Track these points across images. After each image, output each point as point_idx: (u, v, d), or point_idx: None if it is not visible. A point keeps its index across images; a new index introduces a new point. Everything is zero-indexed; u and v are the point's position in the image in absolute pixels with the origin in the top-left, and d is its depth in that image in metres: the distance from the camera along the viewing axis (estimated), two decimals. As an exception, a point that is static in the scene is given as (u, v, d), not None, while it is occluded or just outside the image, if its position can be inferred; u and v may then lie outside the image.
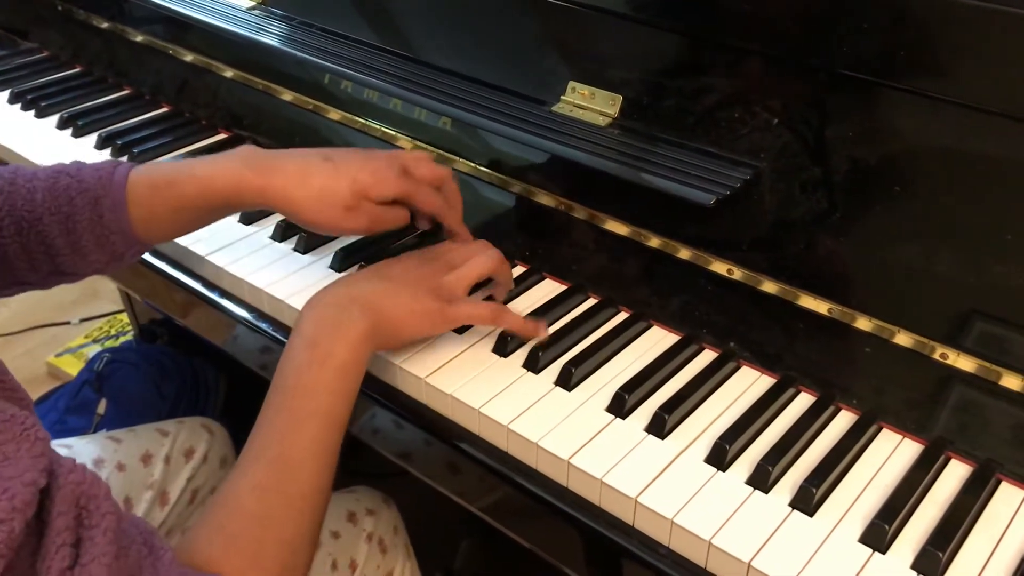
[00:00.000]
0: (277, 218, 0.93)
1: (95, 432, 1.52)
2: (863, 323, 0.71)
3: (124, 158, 1.07)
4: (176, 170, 0.78)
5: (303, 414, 0.64)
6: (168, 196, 0.77)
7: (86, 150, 1.09)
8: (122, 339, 2.10)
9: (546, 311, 0.81)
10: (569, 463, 0.67)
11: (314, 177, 0.76)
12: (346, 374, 0.67)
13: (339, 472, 0.68)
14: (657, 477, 0.66)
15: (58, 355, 2.08)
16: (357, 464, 1.02)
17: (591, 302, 0.83)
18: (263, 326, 0.86)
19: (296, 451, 0.63)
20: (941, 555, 0.60)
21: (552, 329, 0.79)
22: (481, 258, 0.77)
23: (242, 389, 1.63)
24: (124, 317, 2.13)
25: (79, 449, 0.99)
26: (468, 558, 1.41)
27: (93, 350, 2.06)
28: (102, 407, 1.58)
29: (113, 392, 1.58)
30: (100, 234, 0.76)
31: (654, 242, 0.80)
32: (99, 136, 1.10)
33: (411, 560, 1.03)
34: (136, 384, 1.58)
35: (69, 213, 0.75)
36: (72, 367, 2.02)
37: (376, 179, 0.77)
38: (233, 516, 0.60)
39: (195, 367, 1.60)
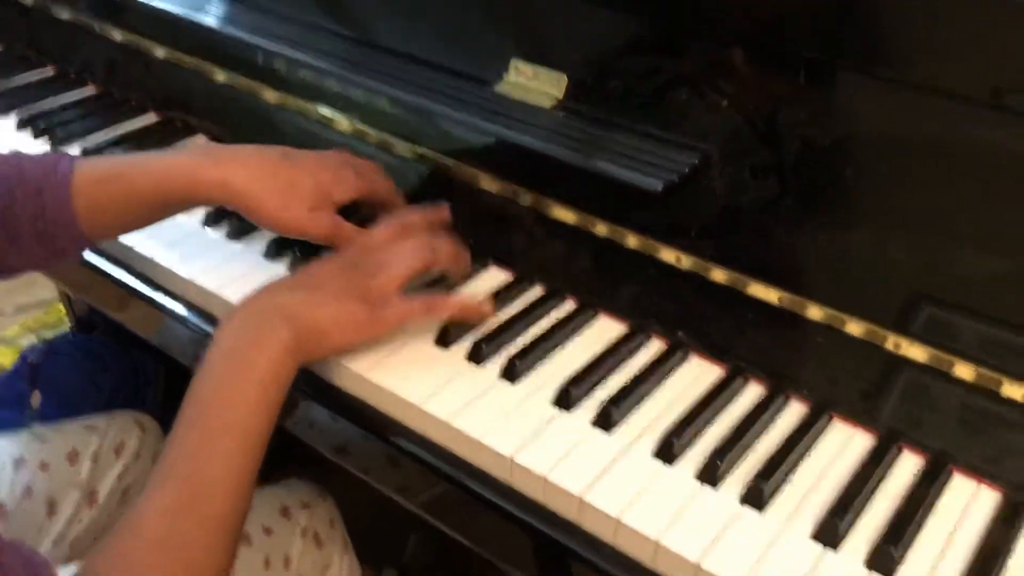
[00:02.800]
0: (208, 205, 0.88)
1: (29, 425, 1.47)
2: (814, 311, 0.69)
3: (46, 140, 1.01)
4: (126, 162, 0.75)
5: (218, 430, 0.61)
6: (117, 189, 0.73)
7: (6, 133, 1.03)
8: (60, 329, 2.04)
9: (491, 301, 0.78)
10: (512, 460, 0.64)
11: (278, 173, 0.73)
12: (266, 388, 0.63)
13: (270, 464, 0.64)
14: (603, 473, 0.63)
15: (-10, 346, 2.01)
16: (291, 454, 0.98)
17: (538, 291, 0.80)
18: (193, 319, 0.82)
19: (209, 469, 0.59)
20: (894, 551, 0.58)
21: (497, 320, 0.76)
22: (411, 253, 0.73)
23: (182, 381, 1.57)
24: (61, 307, 2.06)
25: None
26: (418, 552, 1.38)
27: (28, 340, 1.99)
28: (36, 399, 1.53)
29: (47, 384, 1.53)
30: (41, 228, 0.72)
31: (601, 230, 0.77)
32: (19, 118, 1.04)
33: (349, 554, 1.00)
34: (72, 376, 1.53)
35: (8, 204, 0.71)
36: (5, 358, 1.95)
37: (337, 179, 0.76)
38: (137, 542, 0.57)
39: (133, 358, 1.55)
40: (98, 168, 0.74)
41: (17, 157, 0.73)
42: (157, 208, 0.75)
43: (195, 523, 0.58)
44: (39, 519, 0.93)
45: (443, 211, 0.80)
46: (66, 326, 1.99)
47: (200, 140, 1.03)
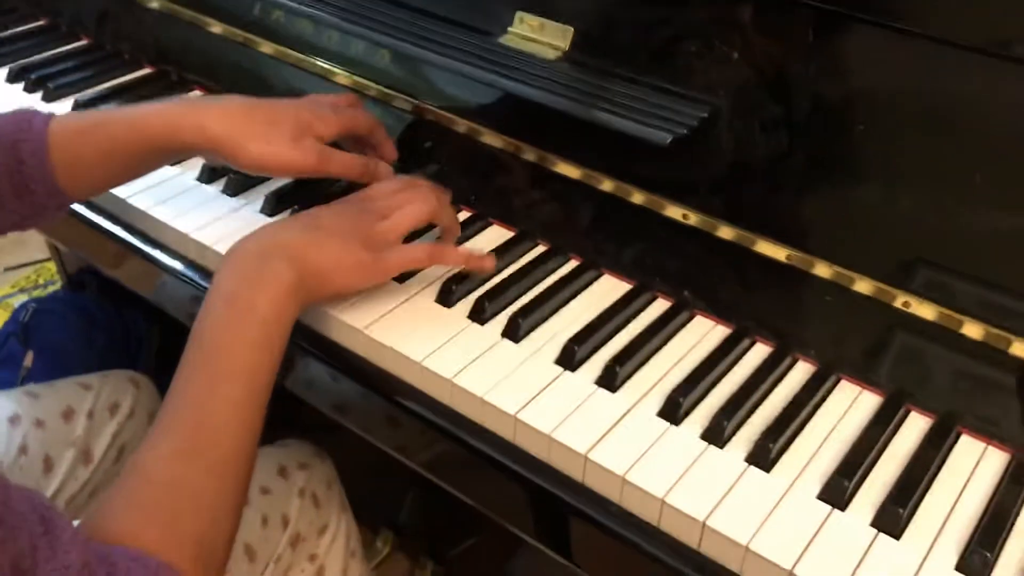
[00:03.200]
0: (203, 158, 0.86)
1: (22, 385, 1.46)
2: (822, 269, 0.68)
3: (39, 93, 0.99)
4: (104, 113, 0.74)
5: (222, 374, 0.59)
6: (96, 139, 0.72)
7: (-3, 85, 1.01)
8: (51, 288, 2.02)
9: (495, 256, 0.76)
10: (516, 418, 0.63)
11: (255, 113, 0.73)
12: (269, 330, 0.62)
13: (269, 425, 0.63)
14: (608, 432, 0.62)
15: (-19, 306, 1.99)
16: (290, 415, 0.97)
17: (540, 249, 0.79)
18: (191, 275, 0.80)
19: (215, 415, 0.58)
20: (901, 511, 0.57)
21: (499, 278, 0.75)
22: (417, 203, 0.72)
23: (175, 339, 1.55)
24: (52, 265, 2.05)
25: (-7, 405, 0.93)
26: (415, 511, 1.38)
27: (19, 300, 1.97)
28: (29, 359, 1.51)
29: (40, 344, 1.52)
30: (19, 183, 0.70)
31: (606, 186, 0.76)
32: (10, 69, 1.02)
33: (346, 514, 1.00)
34: (64, 335, 1.52)
35: None
36: (-3, 318, 1.93)
37: (315, 116, 0.75)
38: (146, 485, 0.56)
39: (125, 317, 1.54)
40: (75, 120, 0.73)
41: None
42: (137, 158, 0.74)
43: (203, 468, 0.57)
44: (35, 476, 0.92)
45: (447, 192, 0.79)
46: (57, 285, 1.98)
47: (195, 95, 1.01)
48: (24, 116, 0.72)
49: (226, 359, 0.60)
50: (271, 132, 0.72)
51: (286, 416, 0.81)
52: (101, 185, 0.77)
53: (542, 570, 1.18)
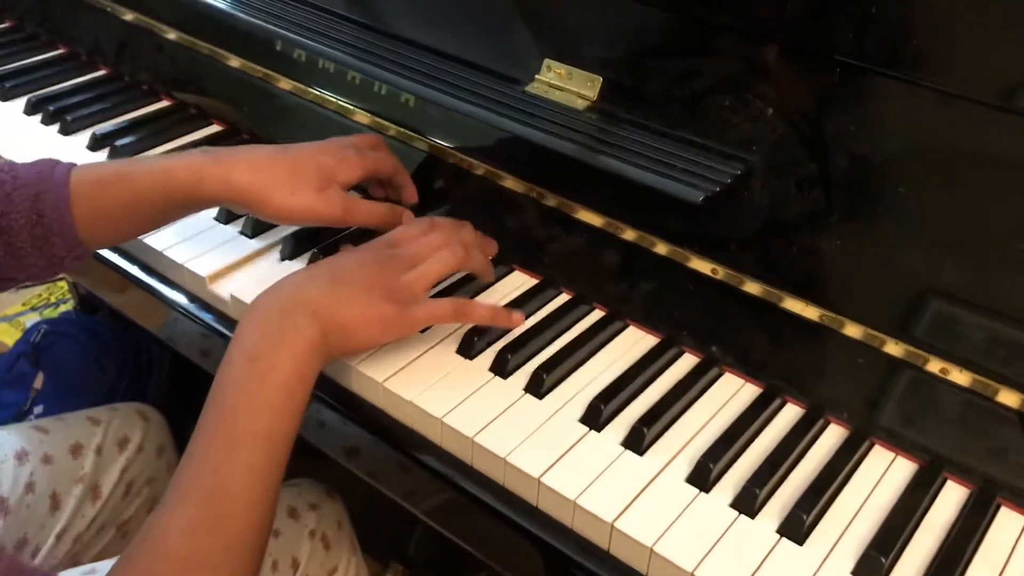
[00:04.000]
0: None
1: (31, 407, 1.45)
2: (852, 330, 0.66)
3: (56, 125, 0.98)
4: (126, 164, 0.73)
5: (241, 437, 0.58)
6: (118, 191, 0.71)
7: (13, 116, 1.00)
8: (62, 307, 2.01)
9: (516, 307, 0.74)
10: (540, 481, 0.61)
11: (278, 163, 0.72)
12: (291, 391, 0.60)
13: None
14: (635, 499, 0.60)
15: (-8, 323, 1.98)
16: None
17: (564, 298, 0.77)
18: (205, 317, 0.79)
19: (233, 483, 0.56)
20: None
21: (522, 328, 0.73)
22: (444, 253, 0.70)
23: (189, 365, 1.55)
24: (64, 284, 2.04)
25: (1, 440, 0.92)
26: (425, 544, 1.36)
27: (31, 319, 1.96)
28: (39, 381, 1.51)
29: (51, 367, 1.51)
30: (39, 235, 0.69)
31: (629, 235, 0.74)
32: (27, 100, 1.01)
33: (356, 555, 0.98)
34: (76, 358, 1.51)
35: (3, 211, 0.68)
36: (8, 336, 1.92)
37: (338, 160, 0.74)
38: (160, 562, 0.54)
39: (138, 340, 1.52)
40: (96, 172, 0.71)
41: (10, 164, 0.71)
42: (159, 210, 0.73)
43: (220, 541, 0.55)
44: (42, 514, 0.90)
45: (467, 225, 0.77)
46: (69, 304, 1.97)
47: (212, 130, 1.00)
48: (46, 167, 0.70)
49: (245, 422, 0.58)
50: (296, 183, 0.71)
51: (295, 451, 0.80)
52: (123, 236, 0.76)
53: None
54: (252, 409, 0.59)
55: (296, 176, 0.71)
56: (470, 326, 0.72)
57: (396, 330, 0.67)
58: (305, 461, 0.97)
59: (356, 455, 0.74)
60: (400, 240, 0.72)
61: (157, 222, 0.75)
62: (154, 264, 0.82)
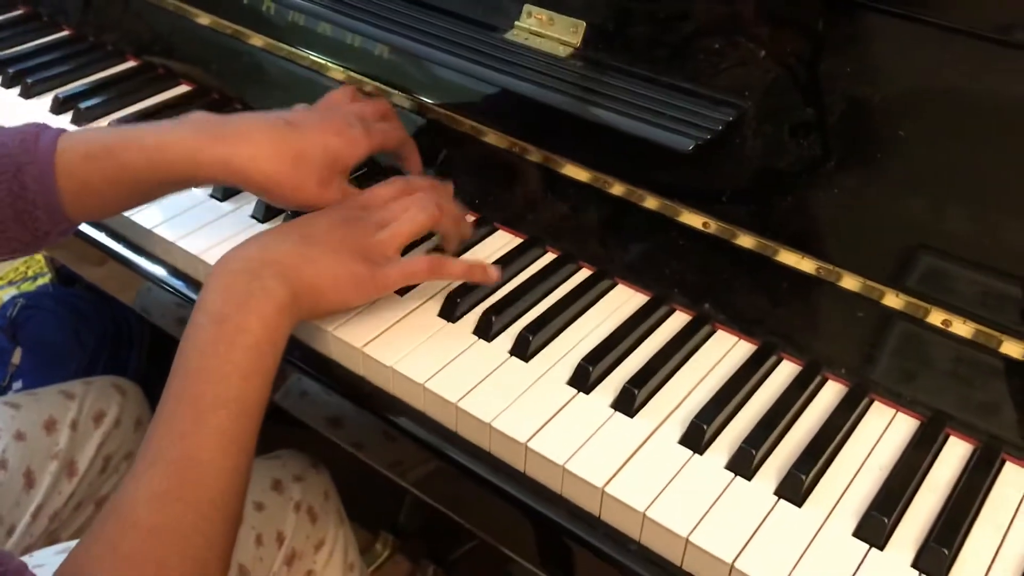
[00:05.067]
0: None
1: (9, 383, 1.43)
2: (850, 283, 0.64)
3: (17, 89, 0.94)
4: (116, 136, 0.67)
5: (209, 403, 0.55)
6: (107, 166, 0.66)
7: (-29, 79, 0.96)
8: (41, 280, 1.98)
9: (501, 267, 0.71)
10: (527, 446, 0.59)
11: (283, 145, 0.67)
12: (261, 353, 0.57)
13: (262, 436, 0.58)
14: (626, 463, 0.58)
15: (-32, 298, 1.95)
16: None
17: (549, 257, 0.75)
18: (176, 284, 0.76)
19: (202, 449, 0.54)
20: (946, 552, 0.53)
21: (507, 289, 0.70)
22: (414, 211, 0.67)
23: (169, 338, 1.52)
24: (41, 257, 2.00)
25: (-28, 418, 0.89)
26: (415, 513, 1.35)
27: (8, 293, 1.93)
28: (17, 356, 1.48)
29: (29, 341, 1.48)
30: (22, 208, 0.65)
31: (617, 189, 0.71)
32: (-13, 65, 0.96)
33: (344, 527, 0.96)
34: (53, 332, 1.48)
35: None
36: (-16, 311, 1.88)
37: (346, 141, 0.69)
38: (128, 531, 0.51)
39: (116, 313, 1.49)
40: (85, 143, 0.67)
41: None
42: (151, 188, 0.69)
43: (190, 509, 0.53)
44: (16, 492, 0.88)
45: (449, 186, 0.74)
46: (47, 277, 1.93)
47: (182, 90, 0.96)
48: (30, 136, 0.66)
49: (213, 387, 0.55)
50: (299, 173, 0.67)
51: (278, 422, 0.77)
52: (110, 211, 0.72)
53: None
54: (220, 373, 0.56)
55: (300, 164, 0.67)
56: (453, 287, 0.69)
57: (369, 290, 0.65)
58: (291, 432, 0.95)
59: (339, 425, 0.72)
60: (373, 200, 0.69)
61: (147, 198, 0.72)
62: (120, 228, 0.79)
